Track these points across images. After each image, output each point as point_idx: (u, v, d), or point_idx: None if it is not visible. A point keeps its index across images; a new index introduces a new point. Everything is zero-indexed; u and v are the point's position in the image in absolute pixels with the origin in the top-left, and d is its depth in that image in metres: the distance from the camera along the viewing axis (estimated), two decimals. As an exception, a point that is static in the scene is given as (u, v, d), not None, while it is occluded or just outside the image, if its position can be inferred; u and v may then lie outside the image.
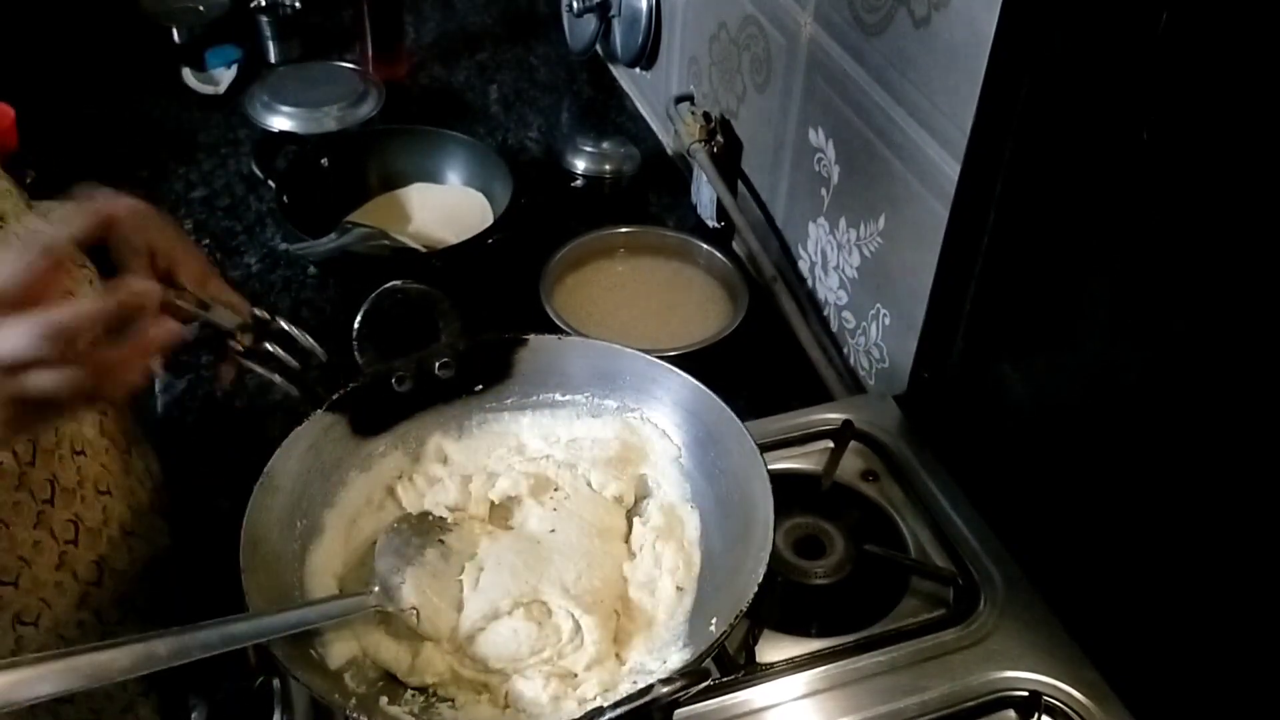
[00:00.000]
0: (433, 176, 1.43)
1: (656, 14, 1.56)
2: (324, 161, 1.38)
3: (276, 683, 0.79)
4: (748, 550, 0.70)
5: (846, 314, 1.19)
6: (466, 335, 0.82)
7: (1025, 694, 0.77)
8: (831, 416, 0.99)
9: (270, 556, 0.71)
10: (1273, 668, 0.68)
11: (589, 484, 0.80)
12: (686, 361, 0.82)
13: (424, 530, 0.76)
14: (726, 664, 0.80)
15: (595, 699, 0.68)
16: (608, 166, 1.44)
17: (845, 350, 1.21)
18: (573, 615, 0.71)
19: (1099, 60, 0.72)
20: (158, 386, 1.16)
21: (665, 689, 0.60)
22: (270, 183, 1.33)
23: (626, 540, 0.78)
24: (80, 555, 0.83)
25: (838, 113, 1.12)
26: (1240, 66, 0.61)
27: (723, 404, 0.77)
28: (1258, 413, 0.65)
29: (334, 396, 0.78)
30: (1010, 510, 0.89)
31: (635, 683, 0.68)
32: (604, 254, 1.32)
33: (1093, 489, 0.81)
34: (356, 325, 0.80)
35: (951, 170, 0.92)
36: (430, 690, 0.70)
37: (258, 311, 0.79)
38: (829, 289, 1.22)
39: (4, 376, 0.58)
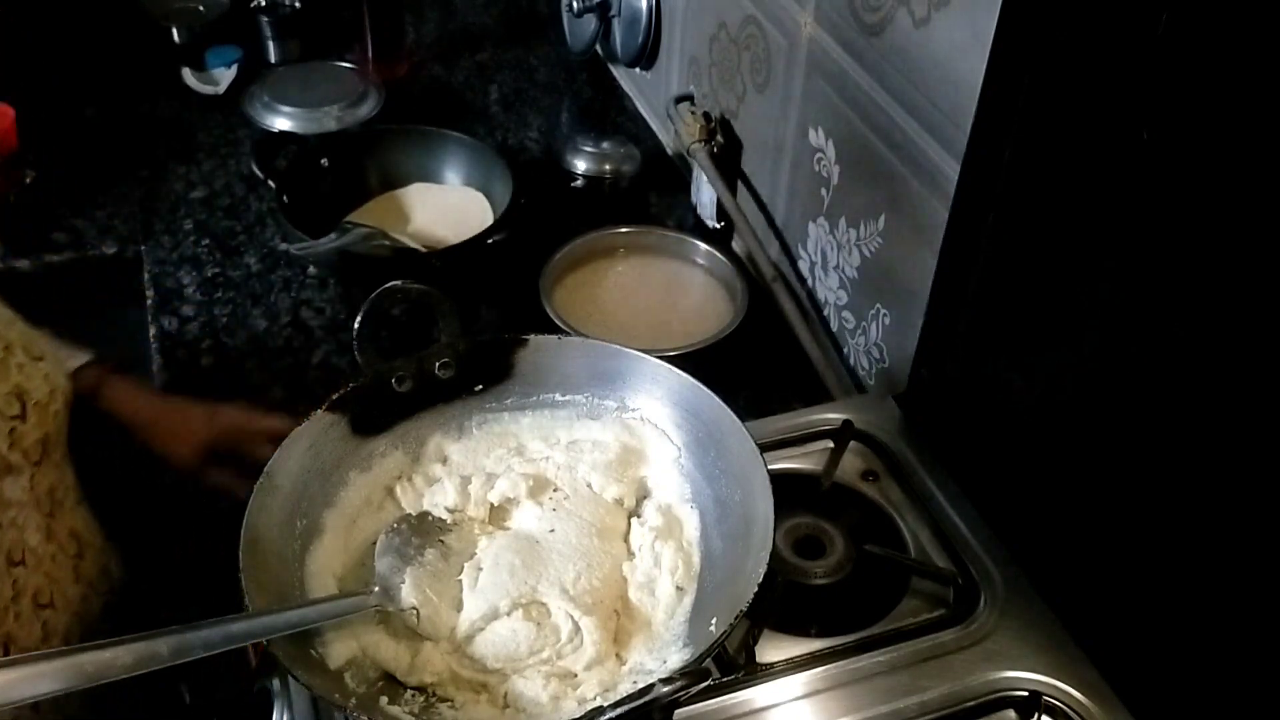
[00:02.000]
0: (433, 176, 1.44)
1: (656, 14, 1.56)
2: (324, 161, 1.38)
3: (276, 683, 0.79)
4: (748, 550, 0.70)
5: (846, 314, 1.19)
6: (466, 335, 0.82)
7: (1025, 694, 0.77)
8: (831, 416, 0.99)
9: (270, 556, 0.71)
10: (1273, 668, 0.68)
11: (589, 485, 0.80)
12: (686, 361, 0.82)
13: (424, 530, 0.76)
14: (726, 664, 0.80)
15: (595, 699, 0.68)
16: (608, 166, 1.44)
17: (845, 350, 1.21)
18: (572, 616, 0.71)
19: (1099, 60, 0.72)
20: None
21: (665, 689, 0.60)
22: (270, 183, 1.33)
23: (626, 539, 0.78)
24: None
25: (838, 113, 1.12)
26: (1240, 67, 0.61)
27: (723, 404, 0.77)
28: (1258, 413, 0.65)
29: (334, 396, 0.78)
30: (1010, 510, 0.89)
31: (635, 682, 0.68)
32: (604, 254, 1.32)
33: (1093, 489, 0.81)
34: (356, 325, 0.80)
35: (951, 170, 0.92)
36: (429, 690, 0.70)
37: None
38: (829, 289, 1.22)
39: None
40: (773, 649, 0.81)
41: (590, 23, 1.65)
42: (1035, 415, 0.88)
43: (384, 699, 0.67)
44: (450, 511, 0.78)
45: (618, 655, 0.72)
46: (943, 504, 0.92)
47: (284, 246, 1.34)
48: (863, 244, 1.12)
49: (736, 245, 1.37)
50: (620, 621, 0.73)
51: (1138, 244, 0.72)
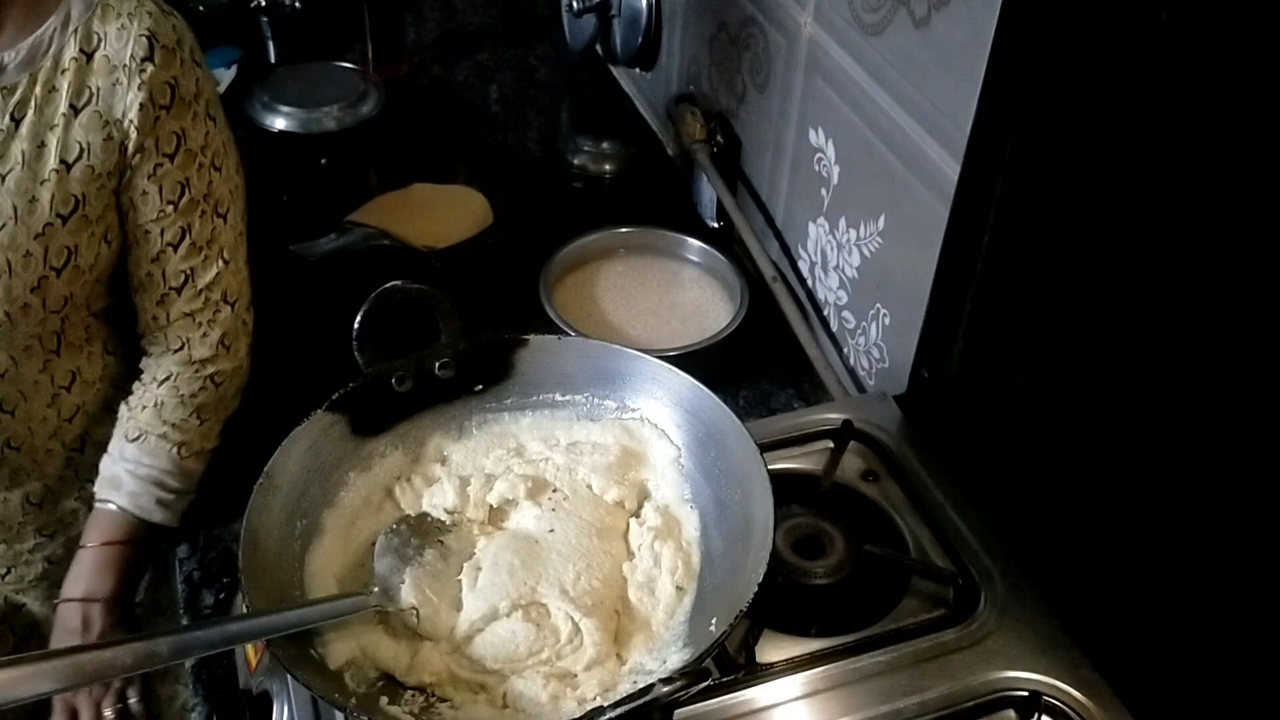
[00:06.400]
0: (433, 176, 1.44)
1: (656, 14, 1.56)
2: (324, 161, 1.38)
3: (276, 683, 0.79)
4: (748, 550, 0.70)
5: (846, 314, 1.19)
6: (466, 335, 0.82)
7: (1025, 694, 0.77)
8: (831, 416, 0.99)
9: (270, 556, 0.71)
10: (1273, 667, 0.68)
11: (589, 487, 0.80)
12: (686, 361, 0.82)
13: (423, 531, 0.76)
14: (726, 664, 0.80)
15: (595, 699, 0.68)
16: (608, 166, 1.44)
17: (845, 350, 1.21)
18: (571, 618, 0.71)
19: (1099, 60, 0.72)
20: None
21: (665, 689, 0.60)
22: (271, 183, 1.33)
23: (626, 539, 0.78)
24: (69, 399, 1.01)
25: (838, 113, 1.12)
26: (1240, 66, 0.61)
27: (723, 404, 0.77)
28: (1258, 414, 0.65)
29: (334, 396, 0.78)
30: (1010, 510, 0.89)
31: (635, 682, 0.68)
32: (604, 254, 1.32)
33: (1093, 489, 0.81)
34: (356, 325, 0.80)
35: (951, 170, 0.92)
36: (429, 690, 0.70)
37: None
38: (829, 289, 1.22)
39: None
40: (773, 649, 0.81)
41: (590, 23, 1.65)
42: (1035, 416, 0.88)
43: (384, 699, 0.67)
44: (449, 513, 0.78)
45: (618, 655, 0.72)
46: (943, 504, 0.92)
47: (284, 246, 1.34)
48: (863, 244, 1.12)
49: (736, 245, 1.37)
50: (620, 621, 0.73)
51: (1138, 244, 0.72)
